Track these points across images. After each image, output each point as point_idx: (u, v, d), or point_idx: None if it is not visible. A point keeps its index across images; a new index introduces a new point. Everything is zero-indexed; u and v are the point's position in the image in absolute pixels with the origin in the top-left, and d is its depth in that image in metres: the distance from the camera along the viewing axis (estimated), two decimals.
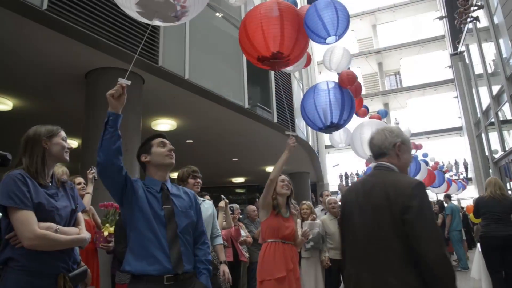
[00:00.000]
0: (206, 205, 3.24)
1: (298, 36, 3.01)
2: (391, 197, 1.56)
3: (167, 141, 2.03)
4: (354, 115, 5.26)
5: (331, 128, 3.55)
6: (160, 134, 2.07)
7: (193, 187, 3.07)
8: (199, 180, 3.13)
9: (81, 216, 1.94)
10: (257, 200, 7.79)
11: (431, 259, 1.43)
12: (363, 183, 1.80)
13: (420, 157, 11.32)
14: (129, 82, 1.73)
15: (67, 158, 1.90)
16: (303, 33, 3.01)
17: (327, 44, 2.99)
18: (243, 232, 5.36)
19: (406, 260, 1.50)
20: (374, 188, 1.66)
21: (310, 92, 3.66)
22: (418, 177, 7.27)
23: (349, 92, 3.61)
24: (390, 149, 1.74)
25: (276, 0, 3.03)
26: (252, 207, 6.06)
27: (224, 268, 3.19)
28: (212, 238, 3.20)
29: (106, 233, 3.17)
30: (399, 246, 1.51)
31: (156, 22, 1.97)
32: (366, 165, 7.62)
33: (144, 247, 1.78)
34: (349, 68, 4.65)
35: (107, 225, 3.25)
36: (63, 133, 1.92)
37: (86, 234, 1.84)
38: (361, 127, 4.29)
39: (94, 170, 3.39)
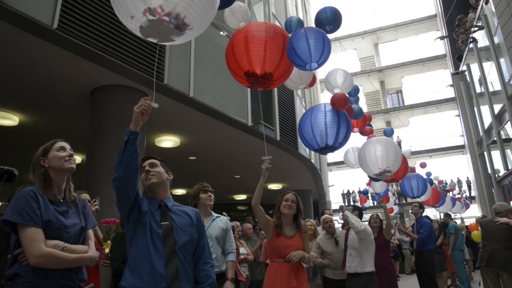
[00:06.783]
0: (223, 220, 3.32)
1: (290, 65, 3.06)
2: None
3: (145, 163, 2.04)
4: (360, 134, 5.28)
5: (326, 149, 3.57)
6: (144, 158, 2.08)
7: (206, 201, 3.19)
8: (210, 193, 3.25)
9: (91, 234, 1.92)
10: (250, 218, 7.71)
11: None
12: (493, 219, 4.96)
13: (424, 176, 11.21)
14: (156, 105, 1.77)
15: (69, 165, 1.83)
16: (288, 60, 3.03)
17: (306, 70, 3.04)
18: (244, 250, 5.31)
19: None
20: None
21: (307, 113, 3.68)
22: (423, 197, 7.21)
23: (345, 113, 3.59)
24: (502, 212, 5.00)
25: (281, 27, 3.09)
26: (248, 225, 5.95)
27: (227, 285, 3.14)
28: (225, 254, 3.24)
29: (107, 250, 3.15)
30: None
31: (164, 42, 1.95)
32: (368, 184, 7.60)
33: (141, 264, 1.79)
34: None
35: (108, 241, 3.22)
36: (58, 144, 1.86)
37: (93, 253, 1.83)
38: (365, 146, 4.33)
39: (97, 202, 3.20)
